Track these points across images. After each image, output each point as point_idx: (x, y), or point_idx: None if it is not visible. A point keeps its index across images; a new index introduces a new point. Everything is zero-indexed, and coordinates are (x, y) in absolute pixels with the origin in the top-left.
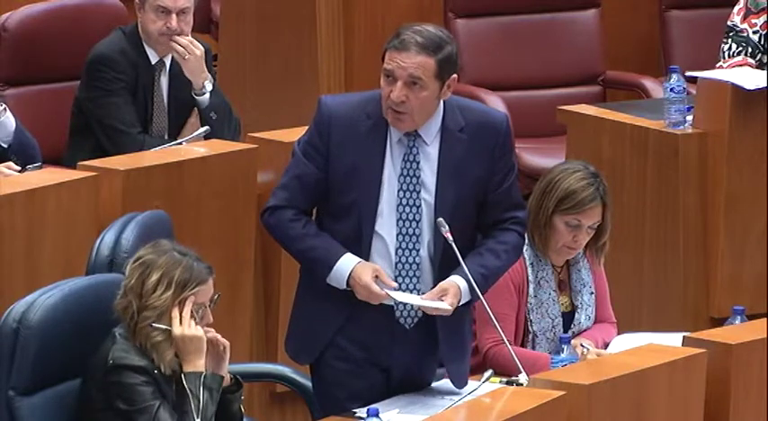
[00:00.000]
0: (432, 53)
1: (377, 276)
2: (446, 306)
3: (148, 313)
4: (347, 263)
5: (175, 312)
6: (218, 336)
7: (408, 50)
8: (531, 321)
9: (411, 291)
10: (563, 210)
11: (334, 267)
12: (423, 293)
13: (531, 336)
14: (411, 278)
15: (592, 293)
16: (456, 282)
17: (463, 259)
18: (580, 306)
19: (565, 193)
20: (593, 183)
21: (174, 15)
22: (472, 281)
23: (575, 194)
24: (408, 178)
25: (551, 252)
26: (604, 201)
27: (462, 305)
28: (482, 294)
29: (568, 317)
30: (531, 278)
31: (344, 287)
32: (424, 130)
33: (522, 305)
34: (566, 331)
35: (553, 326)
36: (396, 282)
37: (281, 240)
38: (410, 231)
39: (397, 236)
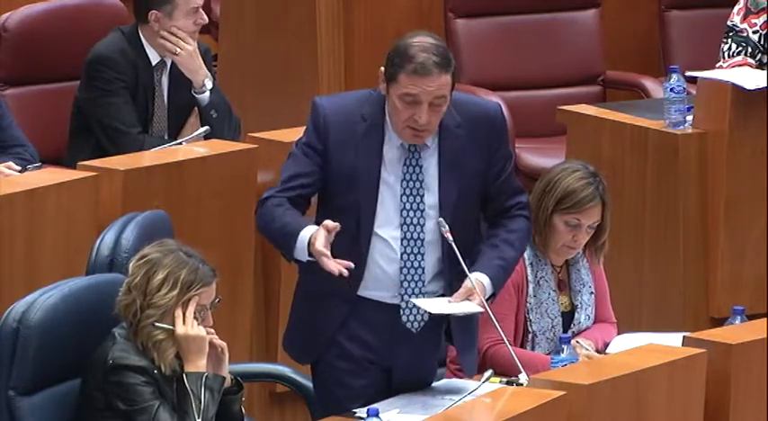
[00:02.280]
0: (447, 69)
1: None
2: (477, 307)
3: (152, 311)
4: (308, 231)
5: (179, 312)
6: (215, 338)
7: (431, 74)
8: (530, 321)
9: (417, 296)
10: (563, 210)
11: (298, 237)
12: (427, 296)
13: (530, 336)
14: (416, 282)
15: (592, 293)
16: (479, 279)
17: (477, 253)
18: (580, 306)
19: (564, 193)
20: (592, 182)
21: (200, 10)
22: (489, 280)
23: (574, 194)
24: (411, 182)
25: (551, 252)
26: (604, 201)
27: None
28: (502, 286)
29: (568, 317)
30: (530, 278)
31: (307, 258)
32: None
33: (521, 305)
34: (565, 331)
35: (552, 326)
36: (402, 286)
37: (262, 229)
38: (414, 236)
39: (402, 240)
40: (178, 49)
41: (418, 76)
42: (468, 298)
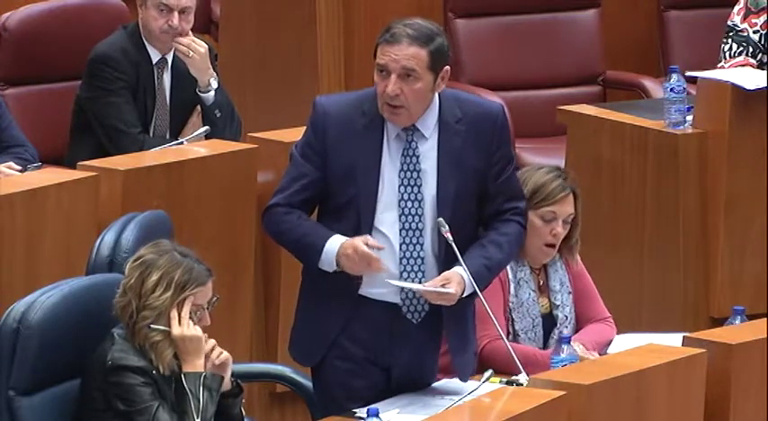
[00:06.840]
0: (423, 44)
1: (367, 244)
2: (450, 291)
3: (147, 313)
4: (335, 242)
5: (174, 313)
6: (218, 349)
7: (400, 43)
8: (513, 320)
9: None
10: (536, 205)
11: (324, 249)
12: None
13: (511, 337)
14: (416, 273)
15: (570, 293)
16: (459, 272)
17: (464, 253)
18: (559, 305)
19: (535, 187)
20: (559, 175)
21: (175, 13)
22: (470, 276)
23: (544, 187)
24: (409, 172)
25: (529, 254)
26: (575, 192)
27: (466, 297)
28: (486, 286)
29: (550, 320)
30: (510, 278)
31: (335, 268)
32: (421, 124)
33: (506, 303)
34: (548, 333)
35: (534, 326)
36: (401, 277)
37: (275, 236)
38: (413, 226)
39: (400, 231)
40: (191, 53)
41: (388, 45)
42: (443, 285)
